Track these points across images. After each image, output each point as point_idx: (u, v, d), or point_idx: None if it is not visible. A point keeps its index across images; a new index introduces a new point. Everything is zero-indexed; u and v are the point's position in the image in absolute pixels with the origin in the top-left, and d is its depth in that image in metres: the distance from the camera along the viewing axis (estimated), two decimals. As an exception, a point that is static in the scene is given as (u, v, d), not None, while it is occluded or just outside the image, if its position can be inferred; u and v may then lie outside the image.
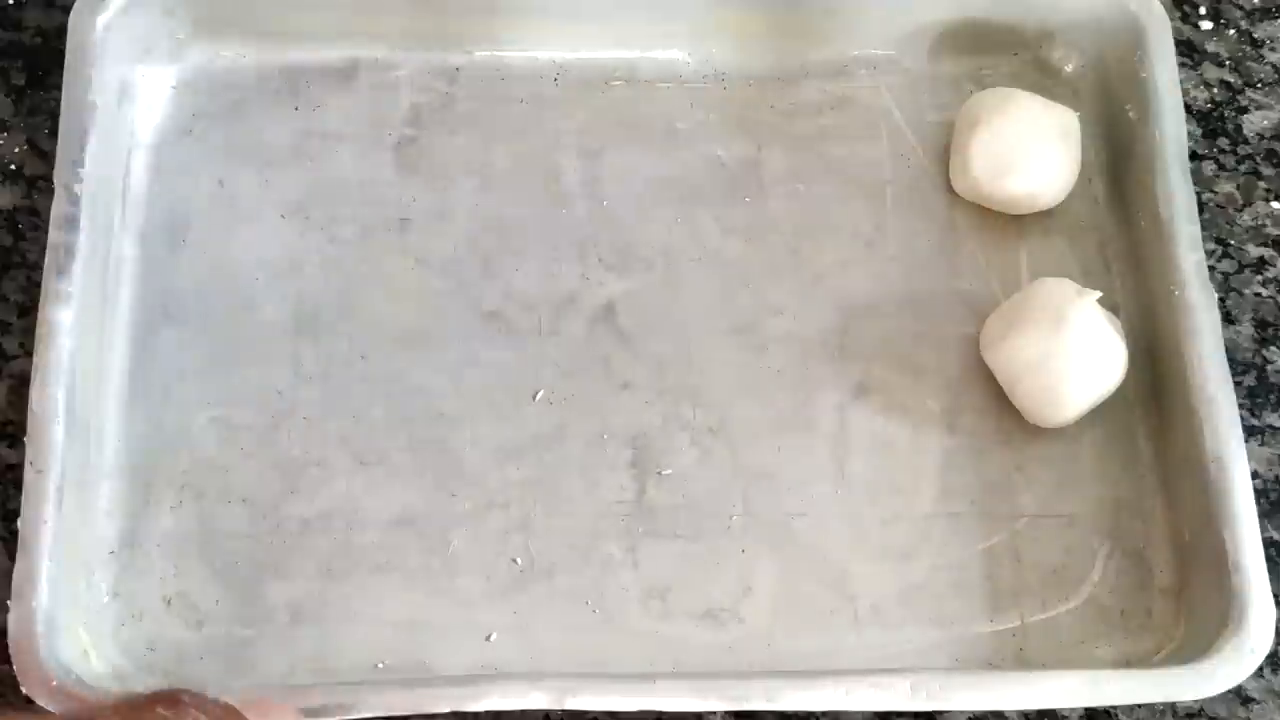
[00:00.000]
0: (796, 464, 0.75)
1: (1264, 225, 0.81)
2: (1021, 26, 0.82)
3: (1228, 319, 0.78)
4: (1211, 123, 0.83)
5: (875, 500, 0.74)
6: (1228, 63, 0.85)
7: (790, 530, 0.74)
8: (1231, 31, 0.85)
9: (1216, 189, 0.82)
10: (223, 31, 0.80)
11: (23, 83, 0.81)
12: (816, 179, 0.80)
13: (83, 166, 0.74)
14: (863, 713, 0.69)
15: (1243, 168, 0.82)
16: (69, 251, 0.72)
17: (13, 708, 0.66)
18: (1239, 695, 0.72)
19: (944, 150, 0.81)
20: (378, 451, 0.74)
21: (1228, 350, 0.74)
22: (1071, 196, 0.80)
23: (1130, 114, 0.80)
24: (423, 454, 0.74)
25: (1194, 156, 0.80)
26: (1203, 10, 0.86)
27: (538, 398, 0.76)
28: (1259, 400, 0.78)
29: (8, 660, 0.66)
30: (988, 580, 0.73)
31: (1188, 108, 0.81)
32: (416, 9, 0.80)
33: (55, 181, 0.73)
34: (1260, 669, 0.68)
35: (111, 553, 0.72)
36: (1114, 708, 0.71)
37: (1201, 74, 0.84)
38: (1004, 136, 0.78)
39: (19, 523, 0.68)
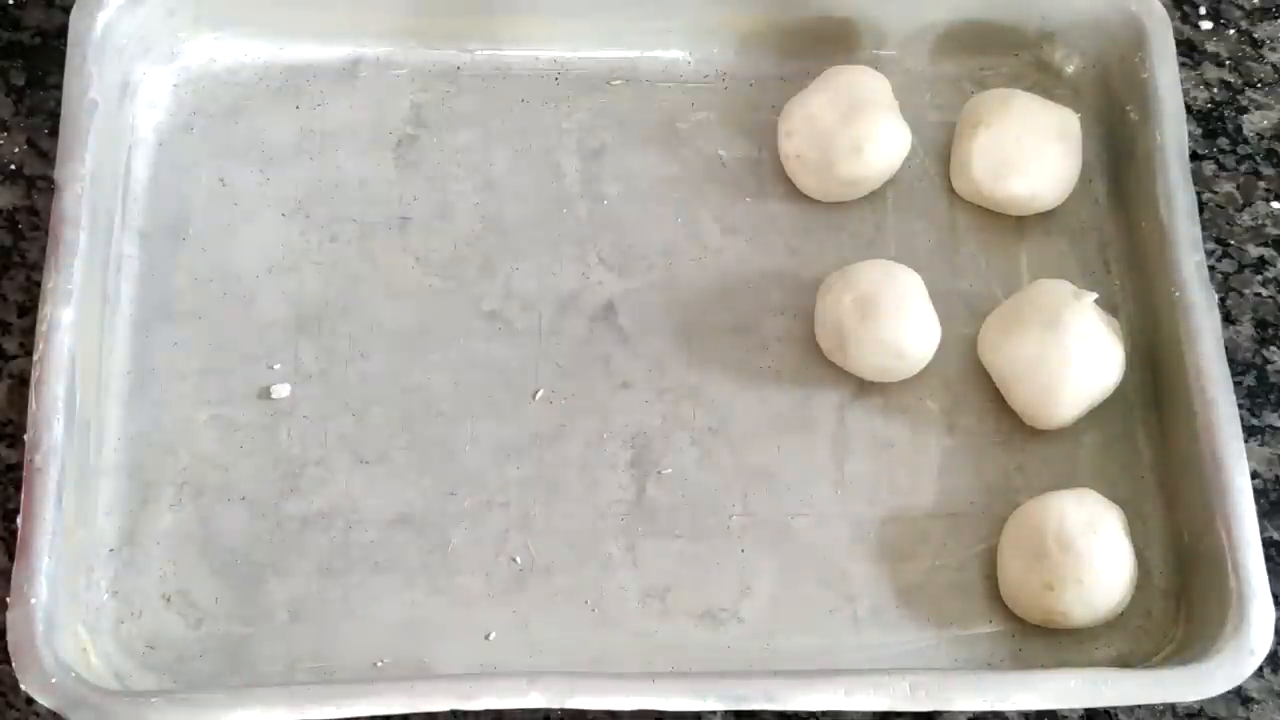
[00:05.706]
0: (796, 464, 0.75)
1: (1264, 225, 0.81)
2: (1022, 27, 0.82)
3: (1228, 319, 0.78)
4: (1211, 123, 0.83)
5: (875, 500, 0.74)
6: (1228, 63, 0.85)
7: (790, 530, 0.74)
8: (1231, 31, 0.85)
9: (1216, 189, 0.82)
10: (224, 29, 0.80)
11: (23, 83, 0.81)
12: (817, 179, 0.80)
13: (83, 165, 0.74)
14: (863, 713, 0.69)
15: (1243, 168, 0.82)
16: (69, 250, 0.72)
17: None
18: (1239, 695, 0.72)
19: (944, 150, 0.81)
20: (377, 450, 0.74)
21: (1228, 350, 0.74)
22: (1072, 197, 0.80)
23: (1131, 114, 0.80)
24: (422, 453, 0.74)
25: (1194, 156, 0.80)
26: (1203, 10, 0.86)
27: (537, 397, 0.76)
28: (1259, 400, 0.78)
29: (7, 659, 0.66)
30: (987, 580, 0.73)
31: (1188, 108, 0.81)
32: (418, 8, 0.80)
33: (55, 180, 0.73)
34: (1260, 669, 0.68)
35: (111, 551, 0.72)
36: (1114, 708, 0.71)
37: (1201, 74, 0.84)
38: (1004, 137, 0.78)
39: (18, 522, 0.68)
